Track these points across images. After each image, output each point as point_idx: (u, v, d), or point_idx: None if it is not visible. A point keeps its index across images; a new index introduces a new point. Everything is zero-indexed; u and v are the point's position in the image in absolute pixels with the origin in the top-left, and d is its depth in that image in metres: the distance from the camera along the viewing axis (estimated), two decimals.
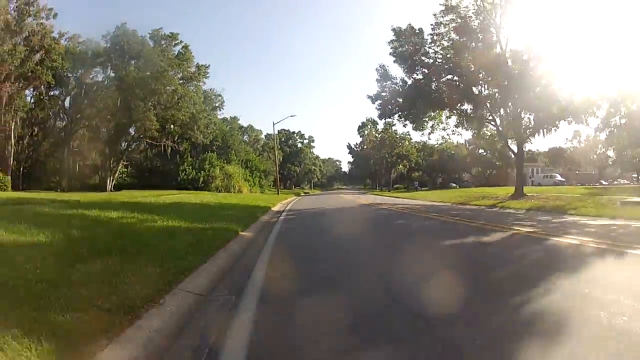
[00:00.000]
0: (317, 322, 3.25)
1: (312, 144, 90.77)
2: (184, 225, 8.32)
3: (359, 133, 76.36)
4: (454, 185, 60.98)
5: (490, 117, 25.84)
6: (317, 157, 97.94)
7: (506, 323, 3.03)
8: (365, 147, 70.67)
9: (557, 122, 22.90)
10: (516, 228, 9.12)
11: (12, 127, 33.26)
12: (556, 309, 3.31)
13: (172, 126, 36.87)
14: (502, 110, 25.29)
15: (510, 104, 24.31)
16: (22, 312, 2.73)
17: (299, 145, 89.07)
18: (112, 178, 37.88)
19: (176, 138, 38.52)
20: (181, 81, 36.12)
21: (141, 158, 42.23)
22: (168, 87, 34.16)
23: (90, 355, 2.32)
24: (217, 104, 46.58)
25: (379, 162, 65.17)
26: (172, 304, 3.41)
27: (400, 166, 57.65)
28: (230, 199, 23.76)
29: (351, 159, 79.96)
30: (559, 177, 53.12)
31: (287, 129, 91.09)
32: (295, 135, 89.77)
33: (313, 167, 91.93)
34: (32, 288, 3.29)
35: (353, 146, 79.47)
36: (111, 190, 34.71)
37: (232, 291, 4.15)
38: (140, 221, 8.86)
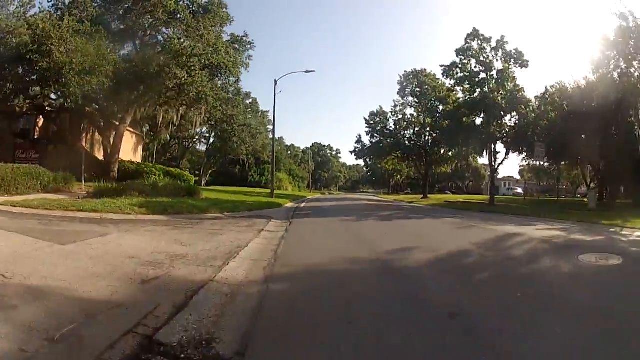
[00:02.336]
0: (317, 211, 20.00)
1: (338, 155, 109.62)
2: (264, 201, 24.90)
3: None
4: (449, 192, 75.45)
5: None
6: (344, 164, 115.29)
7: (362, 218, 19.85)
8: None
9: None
10: (406, 208, 26.10)
11: None
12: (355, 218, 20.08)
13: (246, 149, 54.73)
14: None
15: None
16: (227, 208, 19.72)
17: (329, 155, 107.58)
18: (205, 177, 56.12)
19: (248, 156, 56.44)
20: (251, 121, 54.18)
21: (226, 167, 61.13)
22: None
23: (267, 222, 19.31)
24: (269, 127, 64.25)
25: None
26: (273, 214, 20.40)
27: (398, 176, 73.68)
28: (283, 193, 41.07)
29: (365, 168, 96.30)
30: (518, 190, 67.05)
31: (319, 142, 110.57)
32: (325, 147, 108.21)
33: (339, 173, 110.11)
34: (226, 205, 20.33)
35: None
36: (205, 186, 52.88)
37: (294, 211, 21.02)
38: (238, 197, 26.10)
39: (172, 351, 2.47)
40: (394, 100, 43.74)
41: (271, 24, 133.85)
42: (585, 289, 4.41)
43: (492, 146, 27.37)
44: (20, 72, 17.84)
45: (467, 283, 4.55)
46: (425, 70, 40.62)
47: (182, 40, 19.42)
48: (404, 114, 43.45)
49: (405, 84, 42.09)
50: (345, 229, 10.86)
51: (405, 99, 42.42)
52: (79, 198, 12.82)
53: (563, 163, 30.83)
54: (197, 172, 49.48)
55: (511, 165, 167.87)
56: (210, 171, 56.83)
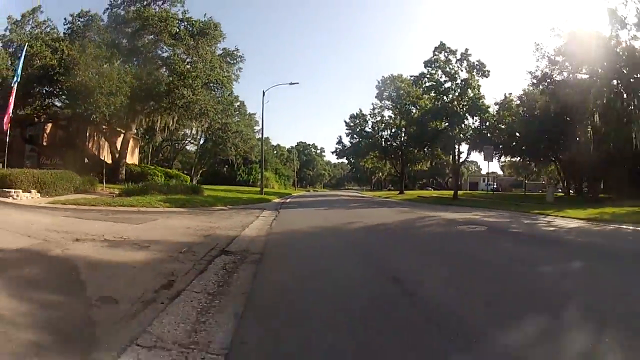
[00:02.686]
0: (299, 204, 23.59)
1: (323, 153, 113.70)
2: (255, 197, 28.57)
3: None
4: (430, 188, 79.96)
5: None
6: (329, 162, 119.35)
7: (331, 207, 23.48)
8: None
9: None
10: (384, 201, 29.96)
11: None
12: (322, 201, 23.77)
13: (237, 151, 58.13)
14: None
15: None
16: (228, 202, 23.32)
17: (313, 154, 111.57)
18: (196, 177, 59.27)
19: (237, 157, 59.77)
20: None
21: (215, 167, 64.31)
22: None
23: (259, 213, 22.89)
24: (256, 128, 67.74)
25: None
26: (264, 206, 23.98)
27: (380, 174, 78.17)
28: (270, 190, 44.55)
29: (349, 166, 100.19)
30: (494, 186, 72.12)
31: (304, 141, 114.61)
32: (310, 146, 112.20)
33: (323, 171, 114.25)
34: (227, 200, 23.90)
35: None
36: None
37: (278, 210, 24.56)
38: (233, 194, 29.68)
39: (233, 253, 6.07)
40: (372, 104, 47.79)
41: (255, 26, 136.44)
42: (450, 242, 8.18)
43: (457, 147, 31.55)
44: (44, 90, 20.99)
45: (374, 234, 8.37)
46: (401, 75, 44.55)
47: (186, 62, 22.92)
48: (382, 116, 47.44)
49: (382, 88, 46.03)
50: (317, 214, 14.64)
51: (382, 102, 46.39)
52: (113, 196, 16.23)
53: (529, 161, 35.35)
54: (185, 172, 52.63)
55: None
56: (200, 171, 59.97)
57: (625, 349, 2.55)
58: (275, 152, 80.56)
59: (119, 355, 2.30)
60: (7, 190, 14.45)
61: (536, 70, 25.51)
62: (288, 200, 25.95)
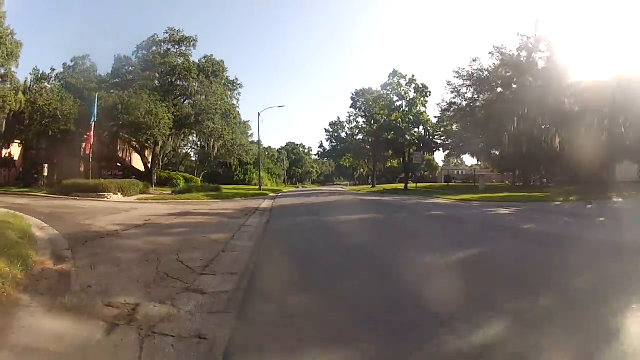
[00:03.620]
0: (288, 196, 33.16)
1: (311, 152, 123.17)
2: (256, 192, 38.05)
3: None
4: (411, 181, 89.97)
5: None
6: (316, 160, 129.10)
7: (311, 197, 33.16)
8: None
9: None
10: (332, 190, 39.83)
11: None
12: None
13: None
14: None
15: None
16: (241, 195, 32.87)
17: (301, 153, 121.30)
18: (199, 178, 68.74)
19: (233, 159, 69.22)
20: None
21: (214, 168, 73.83)
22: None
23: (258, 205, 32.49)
24: (249, 132, 77.43)
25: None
26: (264, 202, 33.56)
27: (361, 170, 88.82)
28: (265, 188, 54.04)
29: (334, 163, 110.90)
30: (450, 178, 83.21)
31: (293, 141, 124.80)
32: (298, 146, 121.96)
33: (311, 168, 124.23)
34: (239, 194, 33.45)
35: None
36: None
37: (274, 199, 34.10)
38: (236, 192, 39.21)
39: (259, 211, 15.67)
40: (348, 112, 57.57)
41: (243, 28, 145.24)
42: (347, 205, 17.95)
43: (407, 151, 41.49)
44: (111, 124, 30.14)
45: (317, 204, 18.15)
46: (370, 88, 54.22)
47: (204, 99, 32.48)
48: (357, 122, 57.29)
49: (356, 99, 55.63)
50: (297, 199, 24.34)
51: (356, 110, 56.16)
52: (173, 194, 25.72)
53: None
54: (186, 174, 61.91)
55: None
56: (202, 173, 69.34)
57: (408, 240, 12.32)
58: (267, 153, 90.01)
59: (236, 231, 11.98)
60: (101, 193, 23.75)
61: (442, 102, 35.43)
62: (280, 194, 35.53)
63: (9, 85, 27.72)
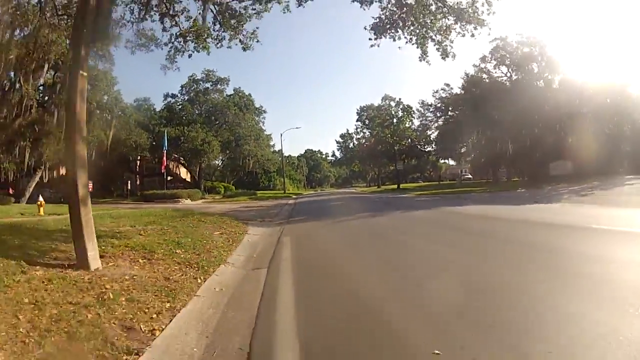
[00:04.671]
0: (307, 197, 44.03)
1: (328, 157, 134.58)
2: (282, 195, 49.08)
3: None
4: (421, 181, 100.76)
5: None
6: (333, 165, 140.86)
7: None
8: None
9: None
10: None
11: None
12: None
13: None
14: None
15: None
16: (273, 198, 43.89)
17: (319, 158, 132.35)
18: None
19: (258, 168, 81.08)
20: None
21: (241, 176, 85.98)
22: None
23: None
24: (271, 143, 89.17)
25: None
26: (290, 200, 44.47)
27: (372, 173, 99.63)
28: (288, 192, 65.11)
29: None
30: (467, 176, 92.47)
31: (311, 148, 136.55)
32: (316, 152, 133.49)
33: (329, 173, 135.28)
34: (272, 197, 44.50)
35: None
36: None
37: (296, 199, 44.98)
38: (267, 195, 50.32)
39: (289, 204, 26.47)
40: (355, 125, 68.38)
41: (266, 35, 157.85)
42: (345, 200, 28.78)
43: (398, 158, 52.04)
44: (175, 152, 41.71)
45: (326, 200, 29.04)
46: (372, 104, 64.87)
47: (240, 126, 43.81)
48: (363, 133, 67.99)
49: (361, 113, 66.36)
50: (314, 198, 35.17)
51: (361, 123, 66.94)
52: (224, 197, 36.92)
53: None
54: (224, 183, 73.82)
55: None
56: (232, 181, 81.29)
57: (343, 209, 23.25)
58: (287, 161, 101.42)
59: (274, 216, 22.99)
60: (177, 199, 35.08)
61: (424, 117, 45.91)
62: (300, 196, 46.48)
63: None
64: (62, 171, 34.09)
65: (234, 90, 48.83)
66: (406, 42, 11.44)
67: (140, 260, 5.58)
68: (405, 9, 11.19)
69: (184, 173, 50.40)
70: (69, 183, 5.30)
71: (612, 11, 69.90)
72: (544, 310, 3.47)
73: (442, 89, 44.56)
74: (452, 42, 11.46)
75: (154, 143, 40.17)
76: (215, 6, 11.11)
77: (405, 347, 2.99)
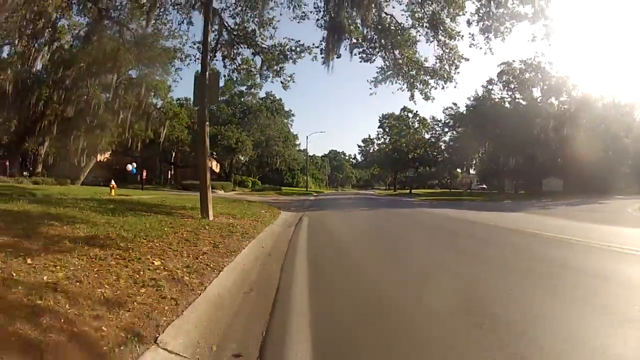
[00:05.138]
0: (326, 195, 49.39)
1: (351, 159, 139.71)
2: (301, 191, 54.44)
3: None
4: (437, 187, 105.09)
5: None
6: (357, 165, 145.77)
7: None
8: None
9: None
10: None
11: None
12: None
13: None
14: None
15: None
16: (296, 194, 49.33)
17: (342, 159, 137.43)
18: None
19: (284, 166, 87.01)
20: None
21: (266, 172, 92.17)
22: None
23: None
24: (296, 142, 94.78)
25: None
26: (311, 197, 49.85)
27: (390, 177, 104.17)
28: (310, 190, 70.56)
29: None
30: (481, 185, 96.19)
31: (335, 149, 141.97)
32: (340, 153, 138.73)
33: (351, 174, 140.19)
34: (295, 193, 49.93)
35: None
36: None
37: (317, 196, 50.33)
38: (291, 192, 55.83)
39: (311, 200, 31.90)
40: (376, 131, 73.32)
41: None
42: (357, 199, 33.95)
43: (412, 165, 56.68)
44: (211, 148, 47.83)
45: (340, 198, 34.29)
46: (394, 113, 69.63)
47: (271, 128, 49.42)
48: (384, 139, 72.71)
49: (383, 121, 71.19)
50: (331, 196, 40.49)
51: (383, 130, 71.77)
52: (253, 191, 42.62)
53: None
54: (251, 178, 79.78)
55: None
56: (258, 176, 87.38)
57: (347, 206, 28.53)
58: (311, 160, 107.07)
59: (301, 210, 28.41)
60: (214, 190, 40.85)
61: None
62: (321, 195, 51.86)
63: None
64: (99, 158, 39.53)
65: (266, 94, 54.59)
66: (398, 89, 16.67)
67: (231, 219, 10.97)
68: (397, 66, 16.35)
69: (214, 166, 56.44)
70: (201, 177, 10.87)
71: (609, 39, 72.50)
72: (443, 257, 8.68)
73: (450, 107, 49.12)
74: (430, 90, 16.59)
75: (191, 138, 46.16)
76: (262, 54, 16.45)
77: (349, 257, 8.27)
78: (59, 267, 3.80)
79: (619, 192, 37.05)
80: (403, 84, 16.77)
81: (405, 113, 55.60)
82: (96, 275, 3.79)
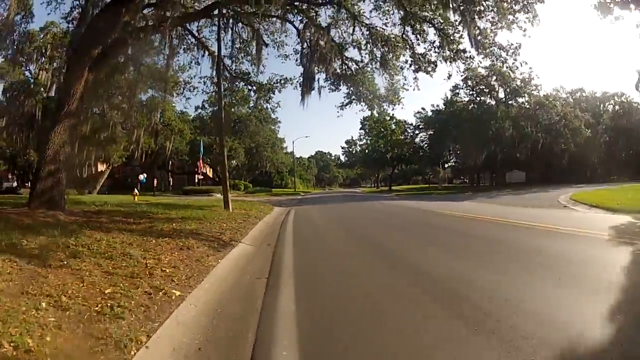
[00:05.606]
0: (312, 195, 54.96)
1: (337, 159, 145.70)
2: (290, 192, 59.98)
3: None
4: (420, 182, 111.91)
5: None
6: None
7: None
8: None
9: None
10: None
11: None
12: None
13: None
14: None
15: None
16: (285, 195, 54.83)
17: (328, 160, 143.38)
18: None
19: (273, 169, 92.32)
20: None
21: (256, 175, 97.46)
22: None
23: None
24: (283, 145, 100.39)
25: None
26: (299, 196, 55.36)
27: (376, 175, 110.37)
28: (297, 190, 76.05)
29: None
30: (464, 179, 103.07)
31: (321, 150, 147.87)
32: (326, 154, 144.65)
33: (337, 173, 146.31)
34: (284, 194, 55.44)
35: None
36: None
37: (304, 195, 55.83)
38: (280, 192, 61.33)
39: (298, 199, 37.31)
40: (358, 133, 79.09)
41: None
42: (342, 197, 39.61)
43: (390, 164, 62.60)
44: (207, 156, 53.03)
45: (325, 196, 39.86)
46: (374, 115, 75.23)
47: (261, 135, 54.80)
48: (366, 140, 78.61)
49: (364, 122, 76.93)
50: (318, 195, 46.10)
51: (364, 132, 77.64)
52: (247, 194, 47.99)
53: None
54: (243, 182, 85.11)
55: None
56: (248, 179, 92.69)
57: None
58: (298, 162, 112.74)
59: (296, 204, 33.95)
60: (211, 193, 46.24)
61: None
62: (309, 194, 57.36)
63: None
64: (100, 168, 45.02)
65: (254, 103, 59.97)
66: (360, 110, 22.29)
67: (243, 210, 16.46)
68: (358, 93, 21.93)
69: (208, 171, 61.64)
70: (223, 184, 16.49)
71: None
72: (376, 223, 14.32)
73: (419, 112, 55.33)
74: (384, 110, 22.26)
75: (189, 148, 51.43)
76: (255, 88, 21.89)
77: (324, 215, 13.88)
78: (187, 227, 9.29)
79: (582, 182, 42.06)
80: (364, 106, 22.35)
81: (383, 116, 61.24)
82: (209, 228, 9.33)
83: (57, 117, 10.46)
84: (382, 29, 17.17)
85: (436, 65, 19.13)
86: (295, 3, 16.20)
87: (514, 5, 14.09)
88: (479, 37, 15.15)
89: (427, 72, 19.65)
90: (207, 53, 19.79)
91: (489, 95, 49.14)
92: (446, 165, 61.31)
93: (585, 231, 8.66)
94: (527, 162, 48.98)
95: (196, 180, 56.06)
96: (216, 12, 16.52)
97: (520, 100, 48.35)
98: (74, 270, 4.25)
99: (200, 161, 48.89)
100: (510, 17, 14.26)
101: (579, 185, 35.79)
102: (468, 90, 49.73)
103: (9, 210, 9.36)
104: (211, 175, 61.04)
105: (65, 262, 4.48)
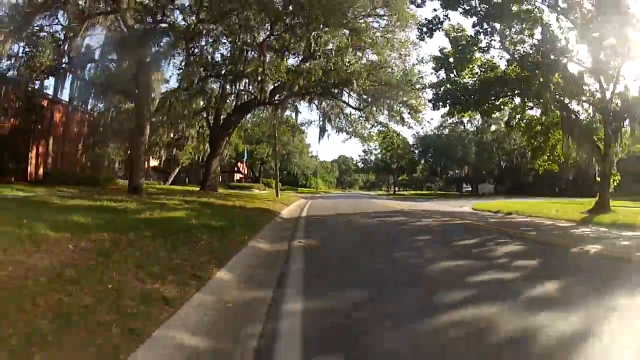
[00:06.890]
0: (329, 195, 69.49)
1: (358, 164, 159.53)
2: (313, 192, 74.56)
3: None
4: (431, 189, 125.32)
5: None
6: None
7: None
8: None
9: None
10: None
11: None
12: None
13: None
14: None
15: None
16: (307, 193, 69.51)
17: (350, 164, 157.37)
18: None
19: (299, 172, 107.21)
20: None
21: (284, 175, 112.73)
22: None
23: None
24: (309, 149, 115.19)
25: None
26: (318, 195, 70.01)
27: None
28: (319, 190, 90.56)
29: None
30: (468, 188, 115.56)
31: (344, 155, 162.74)
32: (349, 159, 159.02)
33: (357, 177, 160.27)
34: (307, 193, 70.07)
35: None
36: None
37: (320, 195, 70.45)
38: (305, 191, 76.07)
39: (316, 196, 51.95)
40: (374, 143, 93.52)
41: None
42: (348, 198, 54.20)
43: (396, 172, 76.73)
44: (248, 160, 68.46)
45: (339, 197, 54.57)
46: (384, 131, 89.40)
47: (290, 144, 69.92)
48: (378, 151, 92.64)
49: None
50: (335, 194, 60.83)
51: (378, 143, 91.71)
52: (280, 190, 63.35)
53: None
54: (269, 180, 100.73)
55: None
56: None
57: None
58: (322, 165, 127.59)
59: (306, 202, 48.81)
60: (251, 189, 61.52)
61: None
62: (328, 195, 71.92)
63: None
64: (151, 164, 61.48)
65: (285, 117, 75.25)
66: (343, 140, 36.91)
67: (285, 197, 31.38)
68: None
69: (243, 169, 77.17)
70: (275, 181, 31.49)
71: None
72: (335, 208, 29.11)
73: (414, 134, 69.70)
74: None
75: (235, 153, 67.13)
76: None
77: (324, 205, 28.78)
78: (241, 204, 24.27)
79: (542, 195, 53.98)
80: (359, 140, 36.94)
81: (391, 133, 75.56)
82: (274, 201, 24.36)
83: (212, 157, 25.78)
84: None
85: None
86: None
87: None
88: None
89: (398, 123, 34.02)
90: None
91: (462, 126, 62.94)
92: (443, 176, 74.91)
93: (439, 212, 23.22)
94: (499, 177, 62.63)
95: (237, 178, 71.44)
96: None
97: (493, 127, 61.87)
98: (233, 200, 19.36)
99: (245, 165, 64.47)
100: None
101: (531, 197, 48.94)
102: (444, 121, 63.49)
103: (198, 192, 24.58)
104: (245, 172, 76.55)
105: (227, 199, 19.60)
